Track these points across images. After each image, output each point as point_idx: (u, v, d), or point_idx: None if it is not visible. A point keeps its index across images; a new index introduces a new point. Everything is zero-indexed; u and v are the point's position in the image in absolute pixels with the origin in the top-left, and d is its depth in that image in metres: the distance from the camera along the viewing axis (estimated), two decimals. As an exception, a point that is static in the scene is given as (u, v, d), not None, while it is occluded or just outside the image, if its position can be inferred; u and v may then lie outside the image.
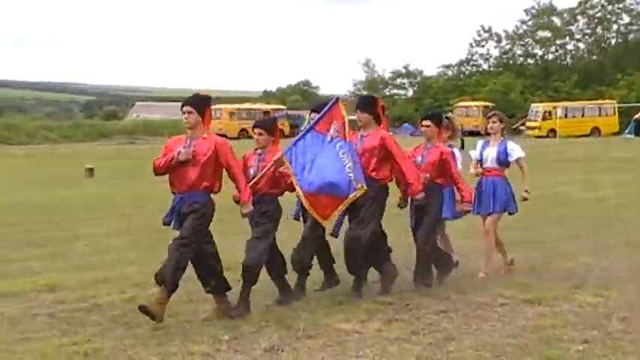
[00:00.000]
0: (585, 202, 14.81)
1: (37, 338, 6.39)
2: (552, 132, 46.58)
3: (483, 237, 8.67)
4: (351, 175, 7.23)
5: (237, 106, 56.12)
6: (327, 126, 7.42)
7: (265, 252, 7.12)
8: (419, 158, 7.90)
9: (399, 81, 72.34)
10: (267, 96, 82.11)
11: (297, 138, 7.40)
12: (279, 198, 7.38)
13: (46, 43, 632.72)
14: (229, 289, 7.06)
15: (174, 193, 6.91)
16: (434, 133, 7.99)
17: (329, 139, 7.37)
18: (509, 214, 8.67)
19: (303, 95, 78.63)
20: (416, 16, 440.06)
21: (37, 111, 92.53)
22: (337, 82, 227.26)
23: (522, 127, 51.42)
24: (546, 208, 14.09)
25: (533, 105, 51.58)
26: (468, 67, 70.29)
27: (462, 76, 69.27)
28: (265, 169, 7.19)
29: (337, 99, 7.58)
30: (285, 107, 59.93)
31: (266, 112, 51.40)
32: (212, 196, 6.92)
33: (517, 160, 8.56)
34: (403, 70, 71.53)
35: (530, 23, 66.70)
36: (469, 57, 69.76)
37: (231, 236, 9.27)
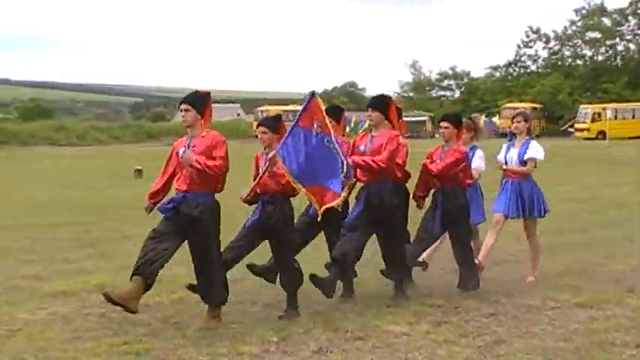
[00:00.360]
0: (636, 204, 14.49)
1: (89, 337, 6.46)
2: (601, 134, 45.61)
3: (529, 240, 8.49)
4: (343, 169, 6.97)
5: (282, 107, 56.24)
6: (310, 121, 7.07)
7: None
8: (438, 161, 7.76)
9: (445, 82, 71.51)
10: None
11: (285, 135, 7.06)
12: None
13: (95, 45, 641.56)
14: (224, 302, 6.87)
15: (177, 190, 6.72)
16: (452, 134, 7.82)
17: (314, 133, 7.05)
18: (542, 216, 8.48)
19: (349, 97, 78.59)
20: (463, 17, 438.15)
21: (86, 112, 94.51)
22: (383, 83, 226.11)
23: (571, 129, 50.74)
24: (596, 209, 13.91)
25: (581, 106, 50.64)
26: (516, 69, 69.24)
27: (509, 77, 68.21)
28: (264, 168, 6.99)
29: (313, 93, 7.20)
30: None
31: None
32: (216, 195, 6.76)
33: (528, 160, 8.28)
34: (450, 72, 70.70)
35: (579, 24, 65.62)
36: (517, 58, 68.68)
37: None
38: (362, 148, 7.44)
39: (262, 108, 56.68)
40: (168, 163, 6.85)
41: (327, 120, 7.03)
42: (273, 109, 52.88)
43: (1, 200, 17.46)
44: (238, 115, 72.30)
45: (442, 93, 72.40)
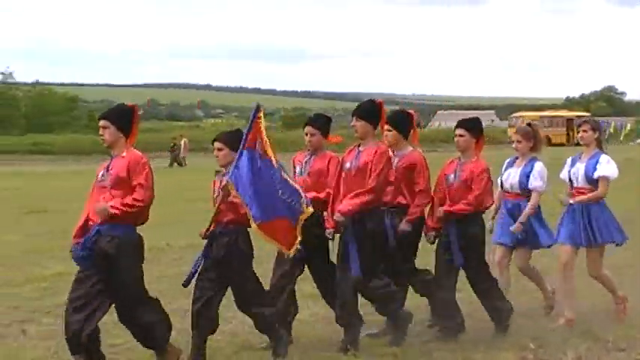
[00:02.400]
0: None
1: None
2: None
3: (596, 275, 7.02)
4: (290, 200, 5.88)
5: (539, 113, 54.80)
6: (254, 140, 5.90)
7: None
8: (451, 177, 6.55)
9: None
10: (569, 103, 79.58)
11: (236, 158, 5.87)
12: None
13: (355, 54, 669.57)
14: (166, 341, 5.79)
15: (90, 222, 5.60)
16: (469, 144, 6.60)
17: (258, 155, 5.90)
18: (617, 245, 7.02)
19: (608, 101, 74.79)
20: None
21: (344, 120, 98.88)
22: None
23: None
24: None
25: None
26: None
27: None
28: (220, 198, 5.88)
29: (258, 106, 6.03)
30: (588, 114, 56.68)
31: (569, 120, 52.33)
32: (137, 228, 5.70)
33: (599, 179, 6.81)
34: None
35: None
36: None
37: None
38: (347, 165, 6.27)
39: (517, 114, 55.70)
40: (92, 191, 5.74)
41: (268, 144, 5.91)
42: (529, 115, 51.68)
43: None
44: (492, 121, 70.81)
45: None
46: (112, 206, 5.41)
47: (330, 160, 6.50)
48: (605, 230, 6.85)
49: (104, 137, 5.72)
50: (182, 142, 34.29)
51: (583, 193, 6.89)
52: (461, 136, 6.59)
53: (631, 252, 8.50)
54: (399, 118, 6.88)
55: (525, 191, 6.97)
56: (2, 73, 62.87)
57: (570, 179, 7.01)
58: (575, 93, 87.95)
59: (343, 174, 6.28)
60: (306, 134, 6.58)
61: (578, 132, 7.29)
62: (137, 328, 5.73)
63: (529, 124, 7.41)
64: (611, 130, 51.83)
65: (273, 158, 5.90)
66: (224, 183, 5.78)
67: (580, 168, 6.92)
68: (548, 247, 7.14)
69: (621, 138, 53.08)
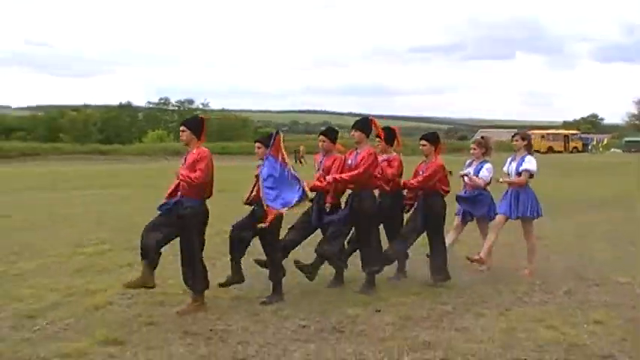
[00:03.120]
0: None
1: (419, 275, 8.89)
2: None
3: (526, 239, 9.22)
4: (300, 193, 7.49)
5: (545, 132, 72.83)
6: (277, 152, 7.57)
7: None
8: (420, 172, 8.55)
9: None
10: (566, 124, 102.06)
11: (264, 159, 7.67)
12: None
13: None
14: (205, 289, 7.46)
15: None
16: (430, 151, 8.54)
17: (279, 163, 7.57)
18: (534, 218, 9.10)
19: (592, 124, 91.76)
20: None
21: (418, 135, 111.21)
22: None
23: None
24: None
25: None
26: None
27: None
28: (255, 183, 7.79)
29: (277, 131, 7.72)
30: (578, 132, 76.67)
31: (565, 136, 71.12)
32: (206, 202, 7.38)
33: (522, 171, 8.90)
34: None
35: None
36: None
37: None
38: (349, 162, 8.09)
39: (530, 132, 65.13)
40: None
41: (285, 155, 7.59)
42: (537, 132, 68.01)
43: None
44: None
45: None
46: (180, 174, 7.17)
47: (335, 159, 8.24)
48: (529, 208, 8.95)
49: (182, 138, 7.44)
50: (300, 148, 48.01)
51: (514, 184, 9.01)
52: (424, 145, 8.56)
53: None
54: (386, 132, 8.77)
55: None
56: (202, 104, 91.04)
57: (508, 173, 9.12)
58: (570, 118, 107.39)
59: (346, 168, 8.07)
60: (320, 141, 8.37)
61: (512, 141, 9.23)
62: (187, 270, 7.32)
63: (482, 137, 9.67)
64: (594, 144, 70.24)
65: (287, 162, 7.54)
66: (257, 173, 7.65)
67: (513, 165, 9.08)
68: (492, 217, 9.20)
69: (600, 149, 67.99)
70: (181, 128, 7.40)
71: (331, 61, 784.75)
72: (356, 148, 8.16)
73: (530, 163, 8.93)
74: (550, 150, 64.92)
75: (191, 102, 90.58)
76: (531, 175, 8.97)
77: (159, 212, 7.28)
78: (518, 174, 8.95)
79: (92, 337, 6.39)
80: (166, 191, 7.46)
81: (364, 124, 8.17)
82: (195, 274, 7.26)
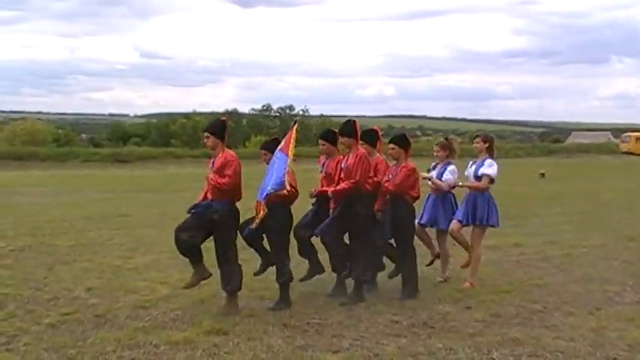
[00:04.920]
0: None
1: (508, 274, 9.12)
2: None
3: (472, 247, 8.43)
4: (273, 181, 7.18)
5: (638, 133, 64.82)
6: (288, 145, 7.33)
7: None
8: (390, 176, 7.80)
9: None
10: None
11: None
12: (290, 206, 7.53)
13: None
14: (238, 289, 7.33)
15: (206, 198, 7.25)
16: (399, 154, 7.89)
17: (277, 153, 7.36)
18: (492, 227, 8.35)
19: None
20: None
21: (511, 138, 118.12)
22: None
23: None
24: None
25: None
26: None
27: None
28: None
29: (295, 122, 7.65)
30: None
31: None
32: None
33: (482, 175, 8.19)
34: None
35: None
36: None
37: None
38: (342, 165, 7.62)
39: (625, 134, 67.15)
40: (206, 176, 7.33)
41: (291, 144, 7.28)
42: (634, 135, 62.51)
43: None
44: (609, 138, 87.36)
45: None
46: (211, 178, 7.09)
47: (338, 161, 7.77)
48: (485, 216, 8.18)
49: (208, 144, 7.27)
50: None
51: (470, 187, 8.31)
52: (392, 149, 7.93)
53: None
54: (369, 134, 8.06)
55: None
56: (302, 110, 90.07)
57: (468, 177, 8.39)
58: None
59: (340, 170, 7.59)
60: (320, 144, 7.98)
61: (473, 143, 8.52)
62: (223, 272, 7.25)
63: (446, 138, 8.80)
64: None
65: (290, 155, 7.18)
66: None
67: (472, 169, 8.37)
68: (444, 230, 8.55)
69: None
70: (205, 135, 7.28)
71: (426, 66, 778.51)
72: (348, 153, 7.69)
73: (490, 167, 8.22)
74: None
75: (292, 108, 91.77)
76: (492, 181, 8.25)
77: (189, 214, 7.23)
78: (477, 178, 8.26)
79: (199, 327, 6.65)
80: (203, 194, 7.31)
81: (350, 128, 7.69)
82: (230, 275, 7.22)
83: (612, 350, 6.01)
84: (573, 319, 7.01)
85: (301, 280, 7.96)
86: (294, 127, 7.42)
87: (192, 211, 7.18)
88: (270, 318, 7.01)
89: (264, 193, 7.06)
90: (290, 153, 7.18)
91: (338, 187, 7.48)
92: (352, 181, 7.39)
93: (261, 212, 7.10)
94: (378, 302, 7.60)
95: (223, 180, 7.03)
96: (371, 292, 7.94)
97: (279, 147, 7.33)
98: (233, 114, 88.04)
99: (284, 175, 7.05)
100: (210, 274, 7.31)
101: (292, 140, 7.28)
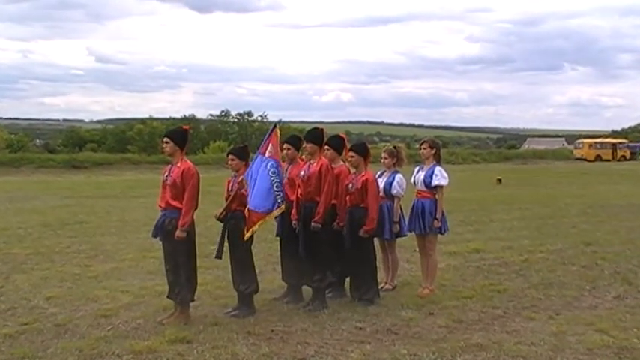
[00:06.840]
0: None
1: (469, 280, 9.18)
2: None
3: (420, 255, 8.51)
4: (277, 194, 7.31)
5: (593, 140, 70.17)
6: (266, 148, 7.32)
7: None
8: (350, 185, 7.73)
9: None
10: (614, 133, 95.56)
11: (252, 162, 7.41)
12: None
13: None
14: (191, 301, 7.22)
15: (159, 207, 7.15)
16: (359, 162, 7.79)
17: (265, 159, 7.32)
18: (441, 233, 8.31)
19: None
20: None
21: (467, 144, 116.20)
22: None
23: None
24: None
25: None
26: None
27: None
28: (233, 190, 7.36)
29: (275, 125, 7.61)
30: (626, 141, 73.62)
31: (613, 144, 68.00)
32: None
33: (435, 187, 8.07)
34: None
35: None
36: None
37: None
38: (302, 173, 7.59)
39: (579, 141, 72.15)
40: (161, 186, 7.15)
41: (278, 149, 7.38)
42: (586, 141, 67.91)
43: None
44: (563, 145, 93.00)
45: None
46: (178, 232, 6.84)
47: (300, 168, 7.69)
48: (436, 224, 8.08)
49: (165, 150, 7.03)
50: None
51: (423, 195, 8.14)
52: (352, 157, 7.83)
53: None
54: (336, 140, 7.85)
55: (389, 195, 8.31)
56: (261, 116, 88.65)
57: (415, 183, 8.26)
58: (618, 127, 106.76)
59: (298, 180, 7.59)
60: (285, 149, 7.90)
61: (419, 149, 8.37)
62: (177, 279, 7.04)
63: (394, 147, 8.61)
64: (641, 151, 71.24)
65: (279, 162, 7.28)
66: (239, 180, 7.29)
67: (420, 176, 8.18)
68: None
69: (647, 156, 69.81)
70: (164, 140, 7.04)
71: (383, 73, 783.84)
72: (309, 159, 7.67)
73: (441, 178, 8.07)
74: (598, 158, 63.52)
75: (250, 114, 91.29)
76: (435, 188, 8.12)
77: (155, 237, 7.16)
78: (425, 185, 8.11)
79: (162, 335, 6.58)
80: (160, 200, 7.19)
81: (316, 135, 7.64)
82: (182, 286, 7.07)
83: (572, 354, 6.11)
84: (534, 323, 7.10)
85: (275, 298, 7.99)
86: (275, 131, 7.37)
87: (154, 233, 7.10)
88: (234, 326, 6.96)
89: (266, 207, 7.21)
90: (279, 158, 7.24)
91: (320, 210, 7.38)
92: (325, 193, 7.36)
93: (266, 219, 7.24)
94: (342, 309, 7.61)
95: (184, 204, 6.84)
96: (337, 298, 7.96)
97: (266, 152, 7.27)
98: (191, 120, 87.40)
99: (282, 187, 7.29)
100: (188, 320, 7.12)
101: (277, 144, 7.32)
